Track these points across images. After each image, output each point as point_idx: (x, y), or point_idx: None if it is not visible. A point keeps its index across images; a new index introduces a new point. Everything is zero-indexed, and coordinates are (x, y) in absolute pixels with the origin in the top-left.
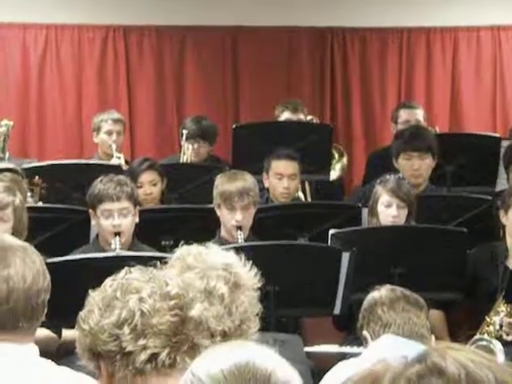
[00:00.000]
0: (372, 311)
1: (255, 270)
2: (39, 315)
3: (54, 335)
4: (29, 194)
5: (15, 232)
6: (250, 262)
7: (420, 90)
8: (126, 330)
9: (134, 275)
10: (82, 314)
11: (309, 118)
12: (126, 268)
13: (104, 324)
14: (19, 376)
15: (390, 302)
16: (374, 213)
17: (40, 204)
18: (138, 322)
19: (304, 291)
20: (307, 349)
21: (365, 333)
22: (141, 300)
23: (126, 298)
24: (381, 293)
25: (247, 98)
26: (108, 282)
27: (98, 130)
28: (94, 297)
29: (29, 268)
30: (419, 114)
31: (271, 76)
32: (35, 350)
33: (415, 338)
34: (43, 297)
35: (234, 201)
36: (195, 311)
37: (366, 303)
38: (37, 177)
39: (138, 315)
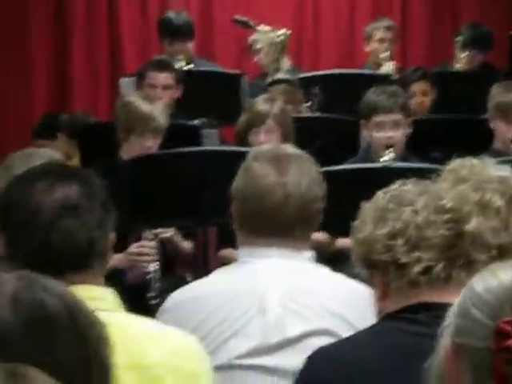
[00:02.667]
0: None
1: None
2: (314, 223)
3: (329, 240)
4: (306, 104)
5: (283, 140)
6: None
7: None
8: (400, 241)
9: (407, 187)
10: (355, 224)
11: None
12: (400, 180)
13: (377, 235)
14: (302, 278)
15: None
16: None
17: (315, 114)
18: (411, 234)
19: None
20: None
21: None
22: (414, 212)
23: (400, 209)
24: None
25: None
26: (381, 193)
27: (369, 38)
28: (368, 208)
29: (304, 176)
30: None
31: None
32: (311, 255)
33: None
34: (318, 205)
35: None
36: (471, 225)
37: None
38: (315, 87)
39: (411, 227)
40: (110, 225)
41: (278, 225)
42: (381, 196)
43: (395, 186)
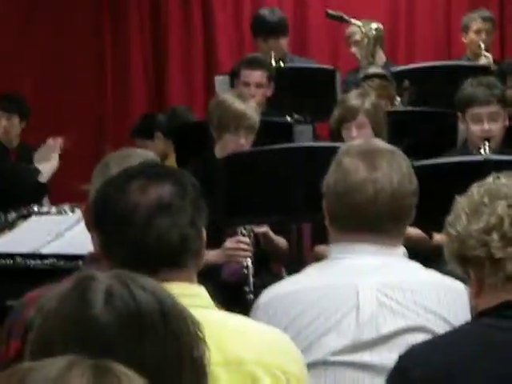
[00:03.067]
0: None
1: None
2: (406, 218)
3: (425, 236)
4: (398, 98)
5: (375, 135)
6: None
7: None
8: (495, 236)
9: (502, 181)
10: (449, 219)
11: None
12: (494, 173)
13: (472, 230)
14: (395, 274)
15: None
16: None
17: (408, 108)
18: (507, 228)
19: None
20: None
21: None
22: (510, 206)
23: (495, 204)
24: None
25: None
26: (475, 187)
27: (466, 29)
28: (461, 202)
29: (395, 171)
30: None
31: None
32: (404, 251)
33: None
34: (410, 200)
35: None
36: None
37: None
38: (406, 80)
39: (507, 222)
40: (203, 223)
41: (369, 221)
42: (475, 190)
43: (490, 180)
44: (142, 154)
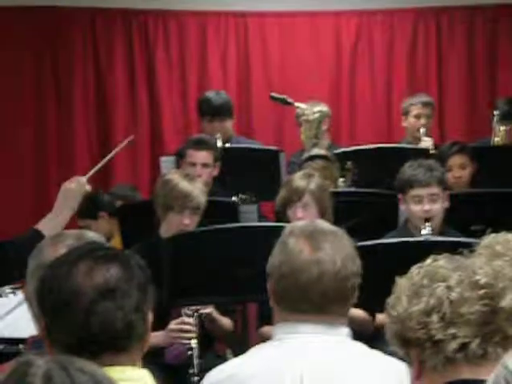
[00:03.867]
0: None
1: None
2: (349, 299)
3: (369, 317)
4: (341, 179)
5: (320, 216)
6: None
7: None
8: (435, 318)
9: (440, 263)
10: (389, 300)
11: None
12: (432, 256)
13: (412, 311)
14: (337, 355)
15: None
16: None
17: (351, 189)
18: (446, 310)
19: None
20: None
21: None
22: (449, 288)
23: (434, 285)
24: None
25: None
26: (415, 269)
27: (406, 113)
28: (401, 284)
29: (339, 252)
30: None
31: None
32: (347, 331)
33: None
34: (353, 281)
35: None
36: (506, 301)
37: None
38: (349, 162)
39: (446, 303)
40: (149, 306)
41: (312, 301)
42: (415, 272)
43: (429, 262)
44: (76, 234)
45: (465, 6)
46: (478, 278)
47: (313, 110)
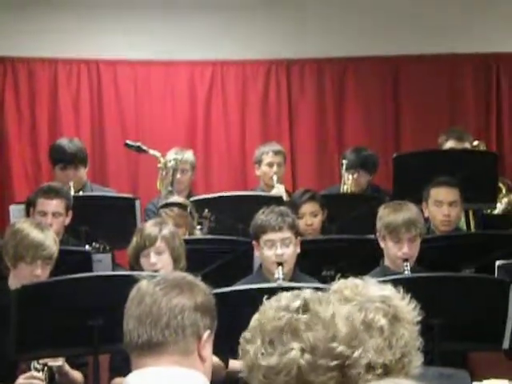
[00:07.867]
0: None
1: (414, 302)
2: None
3: (222, 364)
4: (198, 226)
5: (175, 262)
6: (413, 293)
7: None
8: (282, 378)
9: (302, 316)
10: (246, 334)
11: (475, 143)
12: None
13: (261, 365)
14: None
15: None
16: None
17: (206, 236)
18: (293, 374)
19: (470, 324)
20: None
21: None
22: (302, 351)
23: (289, 345)
24: None
25: (408, 127)
26: (281, 310)
27: (259, 162)
28: (263, 321)
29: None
30: None
31: (433, 105)
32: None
33: None
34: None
35: (400, 232)
36: (357, 370)
37: None
38: (206, 210)
39: (295, 369)
40: None
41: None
42: (279, 314)
43: (296, 305)
44: None
45: (314, 59)
46: (334, 345)
47: (166, 158)
